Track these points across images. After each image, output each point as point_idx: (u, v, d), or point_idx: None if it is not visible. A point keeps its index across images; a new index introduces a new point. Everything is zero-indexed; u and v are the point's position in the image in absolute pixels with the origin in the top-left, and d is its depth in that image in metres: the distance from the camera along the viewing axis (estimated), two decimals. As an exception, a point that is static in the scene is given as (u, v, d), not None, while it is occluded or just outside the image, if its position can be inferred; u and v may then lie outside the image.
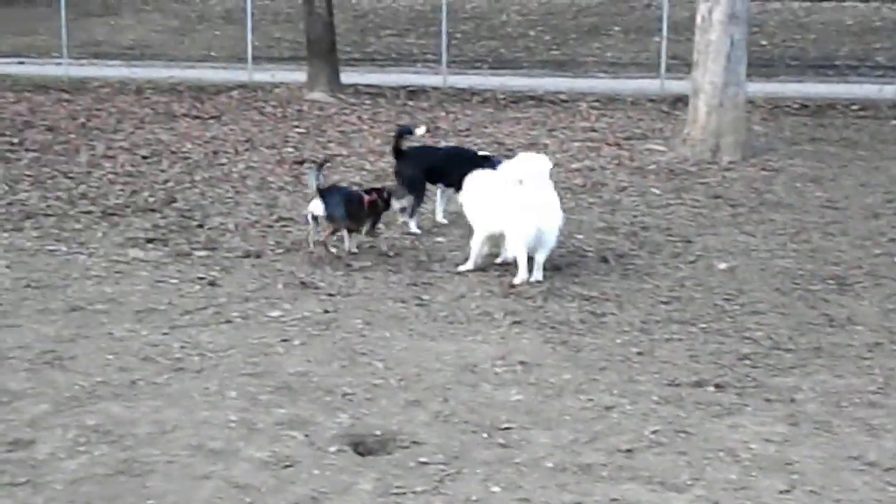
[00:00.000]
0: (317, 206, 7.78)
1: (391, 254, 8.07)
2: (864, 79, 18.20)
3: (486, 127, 13.78)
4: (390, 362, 5.94)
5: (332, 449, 4.88)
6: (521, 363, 5.93)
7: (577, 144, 12.59)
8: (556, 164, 10.44)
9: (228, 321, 6.61)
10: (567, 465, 4.73)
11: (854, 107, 15.52)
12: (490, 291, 7.26)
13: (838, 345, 6.29)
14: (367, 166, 11.37)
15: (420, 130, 9.25)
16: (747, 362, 5.99)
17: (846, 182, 10.79)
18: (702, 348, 6.22)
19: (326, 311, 6.80)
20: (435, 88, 17.09)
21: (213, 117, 14.60)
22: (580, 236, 8.56)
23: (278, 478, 4.62)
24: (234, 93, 16.84)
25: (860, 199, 10.02)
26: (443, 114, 14.84)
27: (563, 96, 16.39)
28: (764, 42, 20.95)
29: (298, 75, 17.31)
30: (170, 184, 10.50)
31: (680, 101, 14.39)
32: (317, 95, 16.14)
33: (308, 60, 16.83)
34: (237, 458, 4.78)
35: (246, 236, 8.63)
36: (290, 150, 12.34)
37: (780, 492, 4.51)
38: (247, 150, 12.31)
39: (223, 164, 11.47)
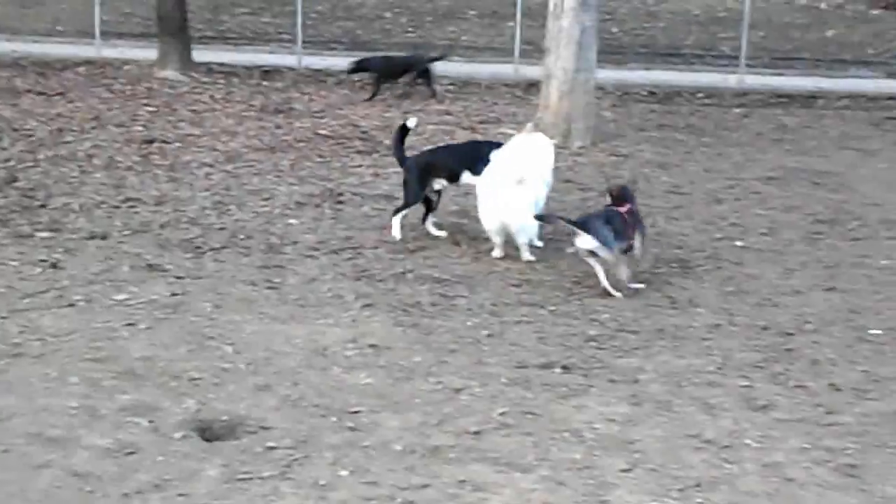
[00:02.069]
0: (585, 241, 6.97)
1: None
2: (710, 68, 18.71)
3: (341, 108, 13.69)
4: (239, 346, 5.85)
5: (178, 435, 4.79)
6: (372, 346, 5.92)
7: (431, 127, 12.60)
8: (409, 147, 10.47)
9: (71, 304, 6.41)
10: (416, 447, 4.75)
11: (700, 95, 15.96)
12: (342, 275, 7.22)
13: (680, 326, 6.47)
14: (219, 146, 11.17)
15: (412, 122, 8.84)
16: (593, 344, 6.11)
17: (691, 168, 11.09)
18: (550, 330, 6.31)
19: (174, 295, 6.66)
20: (290, 69, 16.88)
21: (58, 94, 14.10)
22: (435, 219, 8.58)
23: (121, 465, 4.51)
24: (81, 69, 16.29)
25: (704, 185, 10.31)
26: (297, 94, 14.68)
27: (418, 79, 16.37)
28: (615, 30, 21.36)
29: (149, 52, 16.86)
30: (11, 162, 10.11)
31: (533, 86, 14.54)
32: (168, 73, 15.76)
33: (159, 37, 16.41)
34: (77, 446, 4.64)
35: (91, 217, 8.38)
36: (140, 128, 12.03)
37: (622, 470, 4.62)
38: (94, 128, 11.94)
39: (68, 143, 11.10)
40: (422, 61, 15.11)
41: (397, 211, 8.23)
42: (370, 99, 14.29)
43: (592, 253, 7.04)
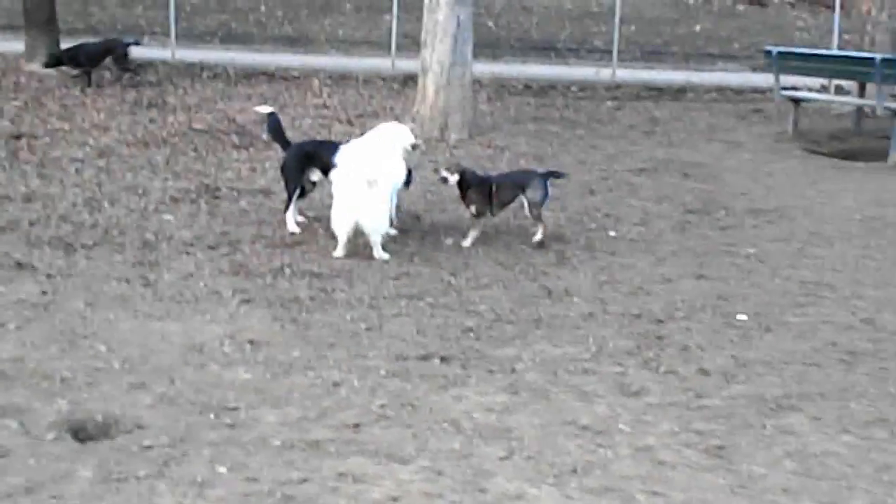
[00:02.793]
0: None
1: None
2: (583, 62, 19.05)
3: (216, 102, 13.52)
4: (113, 344, 5.74)
5: (50, 436, 4.67)
6: (250, 342, 5.87)
7: (309, 121, 12.56)
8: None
9: (-65, 306, 6.19)
10: (295, 442, 4.73)
11: (573, 88, 16.23)
12: (219, 270, 7.14)
13: (556, 316, 6.57)
14: (91, 142, 10.92)
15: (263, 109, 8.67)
16: (471, 335, 6.16)
17: (566, 160, 11.27)
18: (428, 322, 6.35)
19: (44, 293, 6.50)
20: (163, 62, 16.59)
21: (-82, 88, 13.61)
22: (311, 213, 8.55)
23: (-10, 469, 4.38)
24: (-56, 62, 15.74)
25: (578, 177, 10.49)
26: (171, 88, 14.44)
27: (294, 73, 16.29)
28: (490, 24, 21.55)
29: (16, 45, 16.38)
30: None
31: (410, 79, 14.60)
32: (35, 67, 15.33)
33: (26, 30, 15.94)
34: (-56, 451, 4.49)
35: (-44, 215, 8.12)
36: (7, 123, 11.68)
37: (500, 458, 4.67)
38: (-43, 123, 11.55)
39: (-70, 139, 10.72)
40: (118, 45, 14.82)
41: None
42: (84, 90, 13.88)
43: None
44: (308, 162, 8.17)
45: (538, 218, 8.02)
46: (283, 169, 8.32)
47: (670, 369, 5.76)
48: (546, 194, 8.05)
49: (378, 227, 7.55)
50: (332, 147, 8.08)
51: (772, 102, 14.96)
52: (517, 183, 8.11)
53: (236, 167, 10.19)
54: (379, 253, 7.59)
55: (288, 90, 14.88)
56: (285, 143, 8.42)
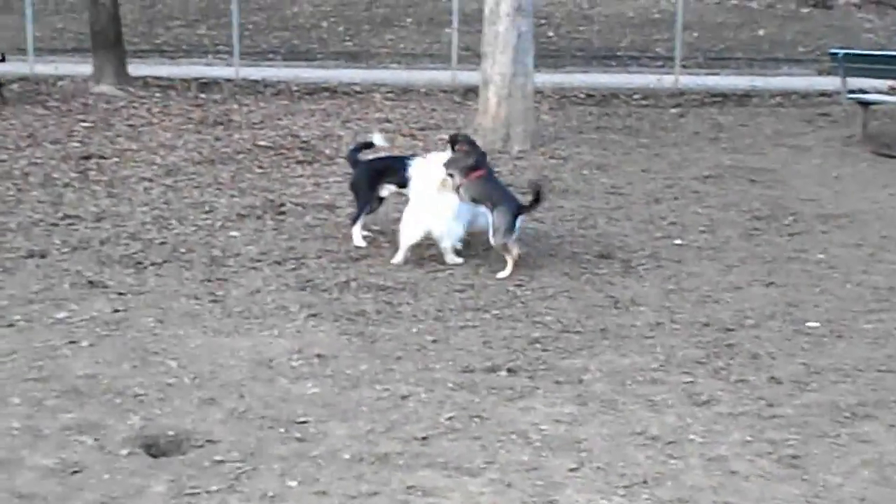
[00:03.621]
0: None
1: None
2: (645, 69, 18.94)
3: (280, 119, 13.66)
4: (183, 360, 5.82)
5: (124, 452, 4.75)
6: (318, 356, 5.92)
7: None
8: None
9: (10, 325, 6.32)
10: (364, 455, 4.75)
11: (636, 96, 16.14)
12: (286, 285, 7.21)
13: (623, 325, 6.54)
14: (158, 160, 11.08)
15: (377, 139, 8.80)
16: (538, 346, 6.16)
17: (629, 169, 11.21)
18: (495, 334, 6.35)
19: (116, 311, 6.61)
20: (227, 80, 16.80)
21: (-9, 112, 13.93)
22: (375, 227, 8.59)
23: (66, 485, 4.46)
24: (15, 86, 16.09)
25: (642, 185, 10.43)
26: (236, 106, 14.62)
27: (357, 87, 16.40)
28: (551, 34, 21.53)
29: (84, 68, 16.70)
30: (-55, 182, 9.97)
31: (471, 91, 14.62)
32: (103, 88, 15.62)
33: (93, 52, 16.25)
34: (21, 467, 4.58)
35: (29, 235, 8.28)
36: (76, 144, 11.91)
37: (570, 470, 4.65)
38: (29, 145, 11.79)
39: (3, 161, 10.95)
40: None
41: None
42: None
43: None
44: (378, 178, 8.24)
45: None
46: (353, 185, 8.40)
47: (741, 378, 5.70)
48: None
49: (447, 233, 7.68)
50: (402, 161, 8.23)
51: (839, 106, 14.76)
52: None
53: (301, 183, 10.28)
54: (451, 259, 7.73)
55: (350, 105, 14.98)
56: (355, 163, 8.50)
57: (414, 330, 6.39)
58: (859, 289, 7.35)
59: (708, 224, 9.05)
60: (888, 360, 5.98)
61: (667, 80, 17.20)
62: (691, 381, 5.65)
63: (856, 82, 14.29)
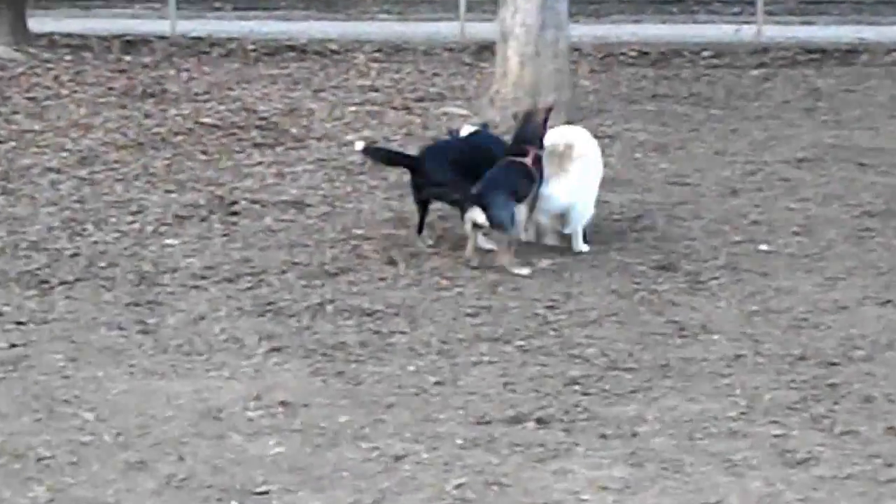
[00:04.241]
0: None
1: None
2: (717, 17, 18.90)
3: (231, 88, 13.66)
4: (104, 412, 5.81)
5: (24, 535, 4.75)
6: (283, 404, 5.91)
7: (352, 109, 12.63)
8: (324, 136, 10.50)
9: None
10: (345, 536, 4.75)
11: (706, 53, 16.12)
12: (239, 310, 7.21)
13: (691, 360, 6.52)
14: (69, 145, 11.09)
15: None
16: (577, 388, 6.14)
17: (697, 150, 11.20)
18: (519, 373, 6.34)
19: (13, 346, 6.61)
20: (161, 38, 16.81)
21: None
22: (359, 231, 8.60)
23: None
24: None
25: (715, 172, 10.41)
26: (172, 72, 14.63)
27: (333, 46, 16.39)
28: (591, -29, 21.53)
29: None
30: None
31: (486, 49, 14.62)
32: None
33: (-18, 2, 16.26)
34: None
35: None
36: (-40, 125, 11.92)
37: (621, 554, 4.65)
38: None
39: None
40: None
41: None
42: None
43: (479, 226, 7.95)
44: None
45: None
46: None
47: (848, 429, 5.68)
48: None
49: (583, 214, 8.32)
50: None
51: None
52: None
53: (259, 173, 10.28)
54: (581, 246, 8.33)
55: (324, 69, 14.98)
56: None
57: (411, 368, 6.38)
58: None
59: (804, 223, 9.04)
60: None
61: (747, 32, 17.19)
62: (782, 434, 5.63)
63: None
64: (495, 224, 7.90)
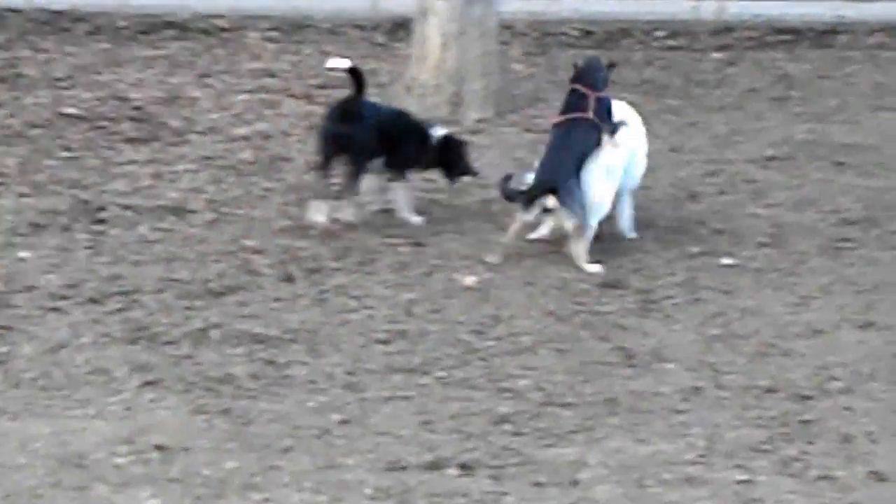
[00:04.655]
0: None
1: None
2: (674, -9, 19.01)
3: (98, 73, 13.56)
4: (-58, 459, 5.77)
5: None
6: (159, 448, 5.89)
7: (243, 98, 12.58)
8: (209, 129, 10.46)
9: None
10: None
11: (659, 33, 16.22)
12: (107, 336, 7.17)
13: (641, 393, 6.56)
14: None
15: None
16: (507, 427, 6.15)
17: (650, 147, 11.25)
18: (439, 409, 6.34)
19: None
20: (13, 11, 16.65)
21: None
22: (250, 242, 8.57)
23: None
24: None
25: (670, 173, 10.46)
26: (27, 53, 14.50)
27: (221, 22, 16.32)
28: (526, -64, 21.62)
29: None
30: None
31: (402, 27, 14.63)
32: None
33: None
34: None
35: None
36: None
37: None
38: None
39: None
40: None
41: None
42: None
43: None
44: None
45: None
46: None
47: (824, 473, 5.74)
48: None
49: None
50: None
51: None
52: None
53: (132, 173, 10.20)
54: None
55: (210, 50, 14.89)
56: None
57: (311, 404, 6.37)
58: None
59: (773, 232, 9.11)
60: None
61: (707, 8, 17.30)
62: (747, 480, 5.68)
63: None
64: (565, 207, 8.21)
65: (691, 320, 7.57)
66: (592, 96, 8.56)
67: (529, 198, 8.27)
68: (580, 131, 8.49)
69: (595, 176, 8.42)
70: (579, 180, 8.32)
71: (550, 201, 8.20)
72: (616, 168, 8.61)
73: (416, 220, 9.04)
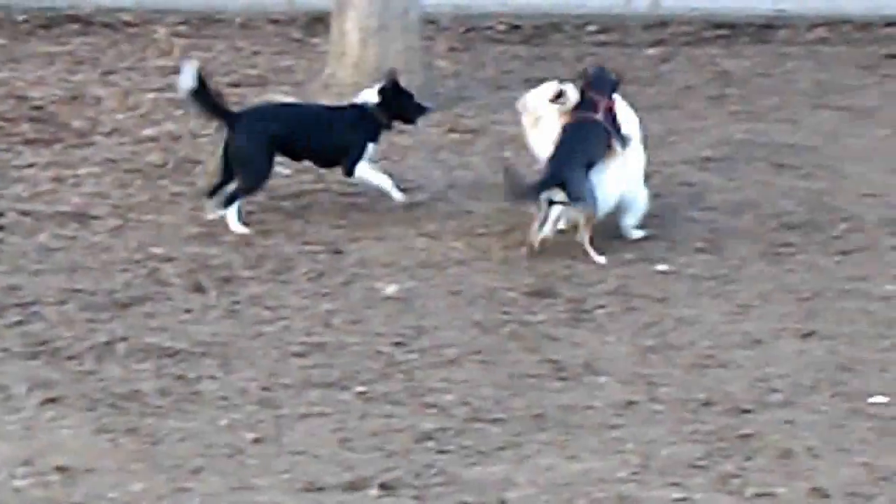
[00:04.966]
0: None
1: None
2: (606, -16, 19.08)
3: (-6, 68, 13.49)
4: None
5: None
6: (60, 469, 5.85)
7: (151, 96, 12.53)
8: (114, 131, 10.41)
9: None
10: None
11: (591, 28, 16.28)
12: (4, 350, 7.13)
13: (572, 408, 6.57)
14: None
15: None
16: (431, 444, 6.16)
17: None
18: (359, 426, 6.34)
19: None
20: None
21: None
22: (158, 250, 8.53)
23: None
24: None
25: (603, 175, 10.53)
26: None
27: (127, 16, 16.25)
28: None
29: None
30: None
31: (319, 22, 14.61)
32: None
33: None
34: None
35: None
36: None
37: None
38: None
39: None
40: None
41: None
42: None
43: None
44: None
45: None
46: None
47: (763, 490, 5.78)
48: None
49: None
50: None
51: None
52: None
53: (31, 177, 10.13)
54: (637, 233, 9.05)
55: (115, 46, 14.82)
56: None
57: (223, 422, 6.34)
58: (954, 340, 7.54)
59: (710, 237, 9.16)
60: None
61: (640, 2, 17.39)
62: (683, 498, 5.70)
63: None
64: (575, 200, 8.51)
65: (625, 330, 7.59)
66: (603, 103, 8.89)
67: (538, 191, 8.55)
68: (589, 131, 8.83)
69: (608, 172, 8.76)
70: (588, 174, 8.62)
71: (559, 195, 8.45)
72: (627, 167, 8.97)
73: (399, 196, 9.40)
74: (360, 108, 9.50)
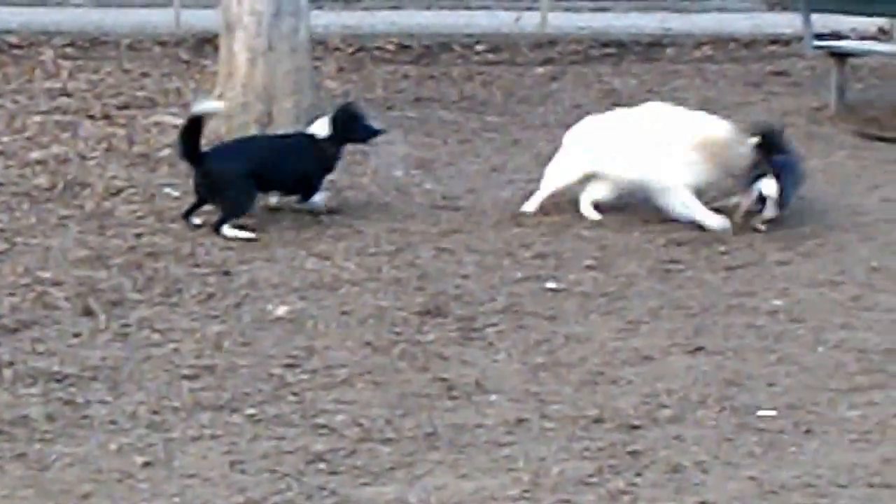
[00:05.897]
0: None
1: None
2: (494, 3, 19.17)
3: None
4: None
5: None
6: (-55, 498, 5.78)
7: (37, 119, 12.44)
8: (1, 153, 10.32)
9: None
10: None
11: (480, 47, 16.35)
12: None
13: (463, 427, 6.56)
14: None
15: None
16: (322, 466, 6.13)
17: (470, 167, 11.34)
18: (249, 449, 6.30)
19: None
20: None
21: None
22: (46, 274, 8.46)
23: None
24: None
25: (492, 194, 10.55)
26: None
27: (12, 38, 16.15)
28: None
29: None
30: None
31: (207, 43, 14.59)
32: None
33: None
34: None
35: None
36: None
37: None
38: None
39: None
40: None
41: None
42: None
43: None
44: None
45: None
46: None
47: (654, 505, 5.81)
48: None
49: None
50: None
51: (802, 59, 15.27)
52: None
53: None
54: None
55: (2, 68, 14.74)
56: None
57: (113, 446, 6.28)
58: (838, 353, 7.59)
59: (598, 255, 9.21)
60: (883, 468, 6.17)
61: (529, 21, 17.48)
62: (575, 514, 5.72)
63: (827, 21, 14.73)
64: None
65: (515, 348, 7.61)
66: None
67: None
68: None
69: None
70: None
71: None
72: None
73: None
74: (311, 139, 9.83)
